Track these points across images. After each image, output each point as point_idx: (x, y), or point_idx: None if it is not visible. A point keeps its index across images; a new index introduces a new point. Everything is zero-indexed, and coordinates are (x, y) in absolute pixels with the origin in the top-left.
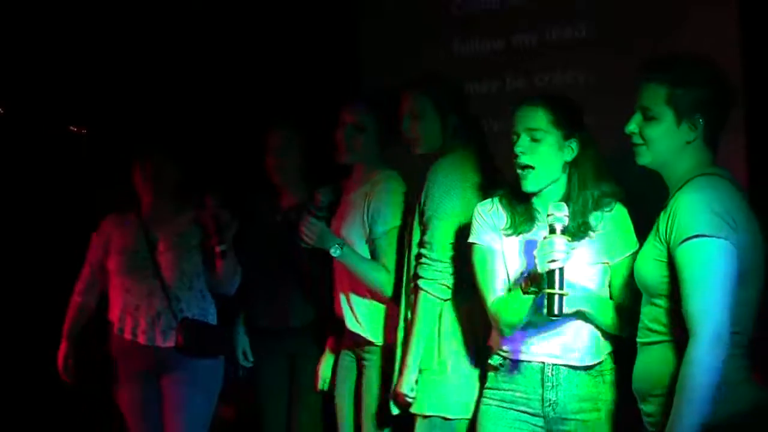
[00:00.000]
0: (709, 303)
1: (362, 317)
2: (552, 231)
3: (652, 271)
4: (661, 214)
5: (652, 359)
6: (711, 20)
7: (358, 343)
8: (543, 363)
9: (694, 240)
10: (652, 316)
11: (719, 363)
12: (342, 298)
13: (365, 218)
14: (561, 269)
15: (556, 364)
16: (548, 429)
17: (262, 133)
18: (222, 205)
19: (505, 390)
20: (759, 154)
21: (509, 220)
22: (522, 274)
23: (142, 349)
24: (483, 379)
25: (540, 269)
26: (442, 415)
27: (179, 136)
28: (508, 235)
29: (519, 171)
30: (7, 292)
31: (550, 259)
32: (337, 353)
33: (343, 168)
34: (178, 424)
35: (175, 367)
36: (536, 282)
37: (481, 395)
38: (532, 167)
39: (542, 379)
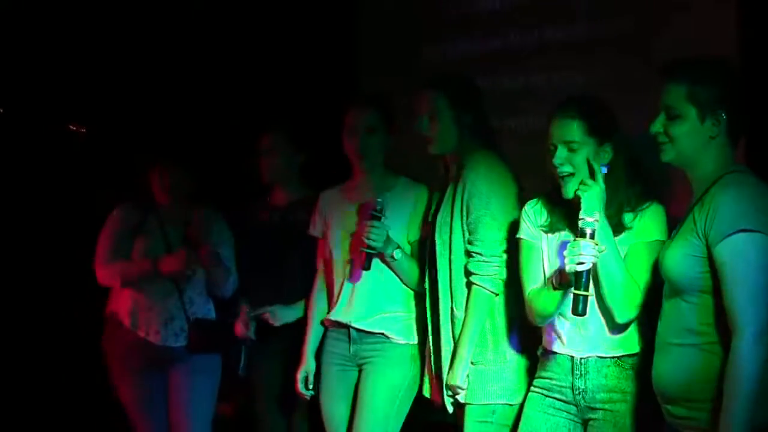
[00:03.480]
0: (755, 298)
1: (389, 317)
2: (582, 235)
3: (687, 267)
4: (695, 209)
5: (688, 362)
6: (712, 20)
7: (361, 343)
8: (572, 355)
9: (739, 235)
10: (685, 314)
11: (765, 357)
12: (361, 298)
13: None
14: (587, 272)
15: (583, 357)
16: (581, 416)
17: (257, 134)
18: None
19: (544, 378)
20: (759, 153)
21: (548, 219)
22: (554, 271)
23: (153, 347)
24: (533, 369)
25: (567, 270)
26: (497, 401)
27: (194, 142)
28: (546, 233)
29: (561, 179)
30: (6, 291)
31: (577, 261)
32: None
33: (338, 166)
34: (186, 417)
35: (182, 361)
36: (565, 281)
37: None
38: (573, 174)
39: (572, 369)
